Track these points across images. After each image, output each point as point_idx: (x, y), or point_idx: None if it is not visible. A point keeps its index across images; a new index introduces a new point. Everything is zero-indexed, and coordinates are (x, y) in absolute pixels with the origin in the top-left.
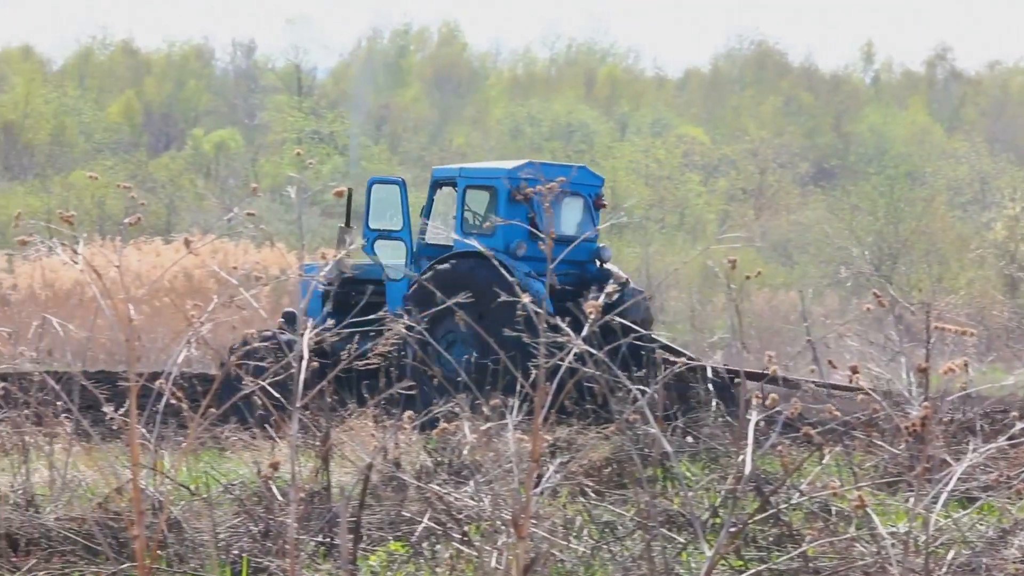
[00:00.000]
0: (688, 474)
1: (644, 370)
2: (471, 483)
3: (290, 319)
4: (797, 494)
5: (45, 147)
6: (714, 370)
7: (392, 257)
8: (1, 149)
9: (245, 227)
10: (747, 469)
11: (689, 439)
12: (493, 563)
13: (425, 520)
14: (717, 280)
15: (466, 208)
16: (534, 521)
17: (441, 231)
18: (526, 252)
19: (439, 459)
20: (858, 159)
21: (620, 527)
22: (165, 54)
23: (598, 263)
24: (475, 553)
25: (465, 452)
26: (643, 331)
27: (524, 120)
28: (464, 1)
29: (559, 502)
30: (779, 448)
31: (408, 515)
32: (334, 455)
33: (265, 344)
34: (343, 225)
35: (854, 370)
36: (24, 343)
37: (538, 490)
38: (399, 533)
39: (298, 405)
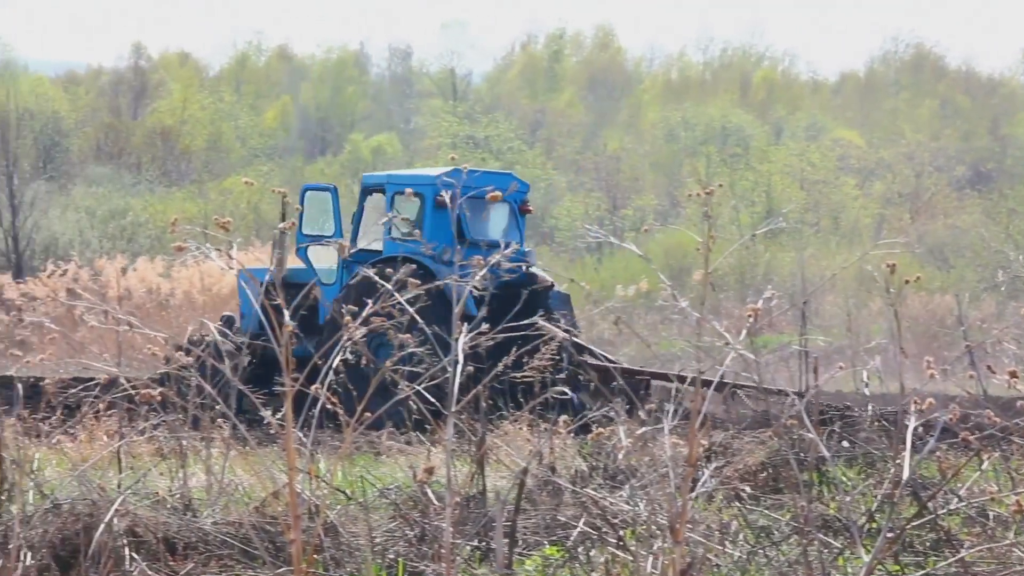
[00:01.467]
0: (844, 479)
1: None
2: (626, 487)
3: (228, 322)
4: (955, 499)
5: (201, 153)
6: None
7: (325, 262)
8: (158, 155)
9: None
10: (905, 474)
11: (845, 443)
12: (649, 568)
13: (580, 525)
14: (872, 285)
15: (394, 214)
16: (690, 526)
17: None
18: (451, 257)
19: (594, 463)
20: (1015, 162)
21: (776, 532)
22: (321, 59)
23: (524, 267)
24: (631, 558)
25: (620, 456)
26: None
27: (678, 124)
28: (619, 5)
29: (715, 507)
30: (937, 453)
31: (563, 520)
32: (489, 459)
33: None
34: (278, 230)
35: (1012, 375)
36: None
37: (694, 494)
38: (554, 538)
39: (454, 409)
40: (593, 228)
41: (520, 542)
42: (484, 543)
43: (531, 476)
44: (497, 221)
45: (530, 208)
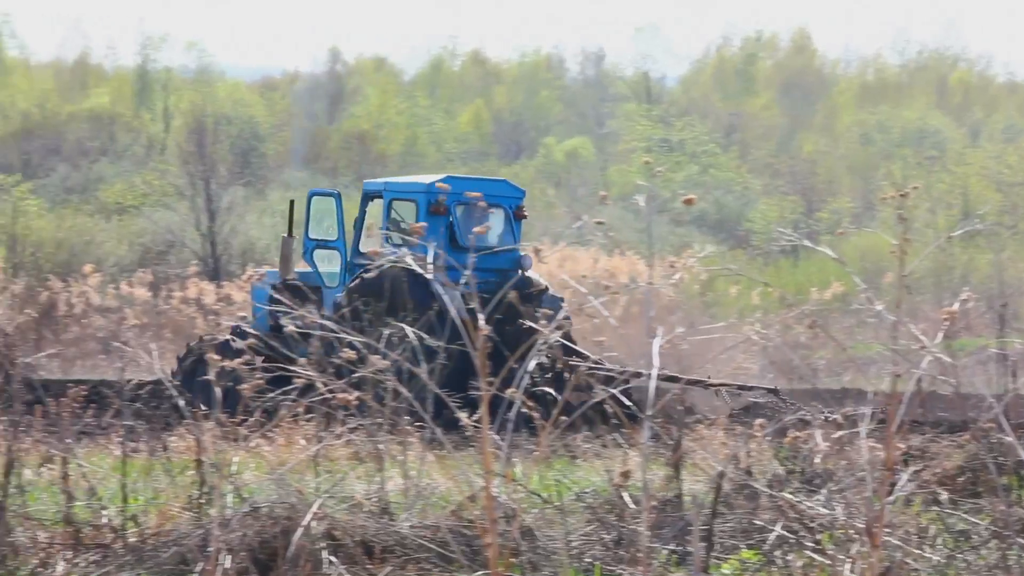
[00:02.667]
0: None
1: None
2: (823, 491)
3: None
4: None
5: (397, 157)
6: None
7: (329, 265)
8: (355, 159)
9: (594, 235)
10: None
11: None
12: (846, 572)
13: (777, 528)
14: None
15: (392, 220)
16: (887, 530)
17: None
18: (444, 262)
19: (791, 467)
20: None
21: (975, 536)
22: (515, 63)
23: (520, 271)
24: (828, 562)
25: (817, 460)
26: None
27: (873, 127)
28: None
29: (912, 510)
30: None
31: (760, 523)
32: (685, 463)
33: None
34: (285, 235)
35: None
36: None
37: (891, 498)
38: (751, 541)
39: (649, 413)
40: (787, 231)
41: (717, 546)
42: (680, 547)
43: (727, 479)
44: (493, 226)
45: (525, 214)
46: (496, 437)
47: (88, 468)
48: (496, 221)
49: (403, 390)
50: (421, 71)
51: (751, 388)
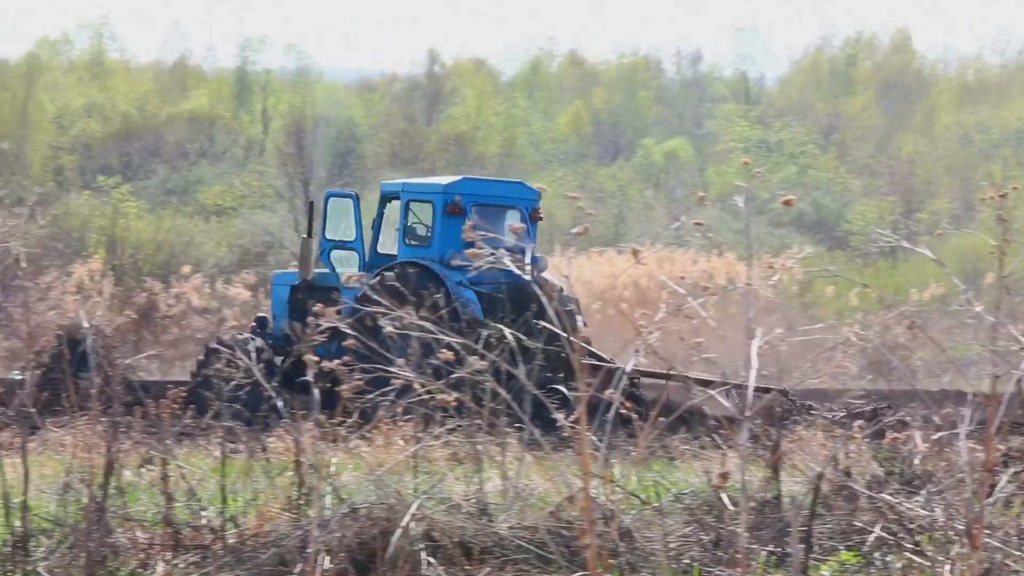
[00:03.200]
0: None
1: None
2: (923, 493)
3: (261, 323)
4: None
5: (495, 158)
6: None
7: (347, 265)
8: (453, 160)
9: (692, 236)
10: None
11: None
12: (946, 574)
13: (877, 530)
14: None
15: (409, 220)
16: (988, 531)
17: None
18: (460, 262)
19: (890, 468)
20: None
21: None
22: (613, 64)
23: (536, 273)
24: (928, 563)
25: (917, 461)
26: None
27: (973, 127)
28: (915, 7)
29: (1012, 512)
30: None
31: (859, 525)
32: (784, 464)
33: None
34: (304, 236)
35: None
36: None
37: (991, 500)
38: (850, 543)
39: (747, 414)
40: (886, 232)
41: (815, 547)
42: (780, 548)
43: (826, 481)
44: (507, 228)
45: (541, 215)
46: (593, 438)
47: (188, 469)
48: (513, 222)
49: (501, 391)
50: (519, 72)
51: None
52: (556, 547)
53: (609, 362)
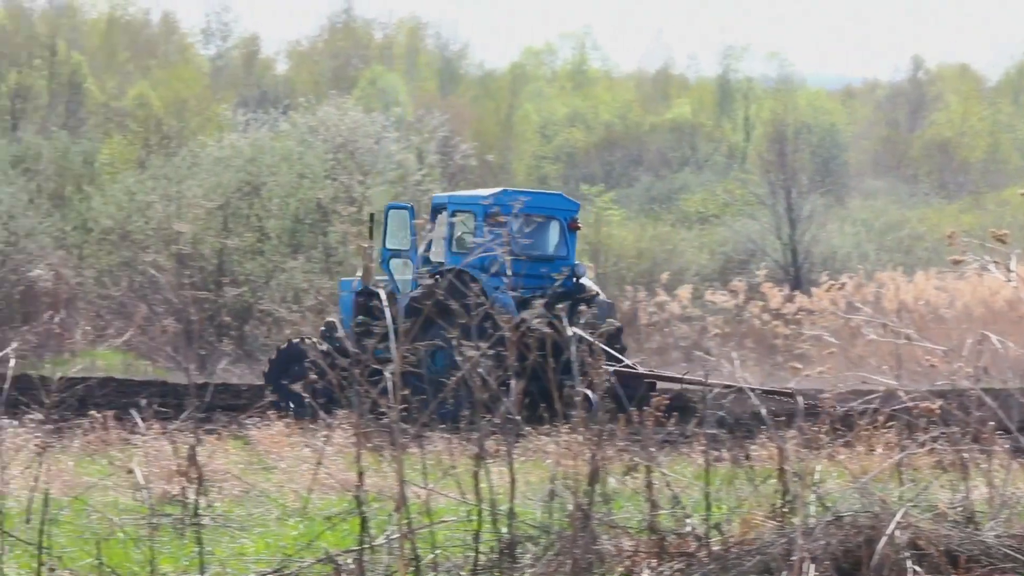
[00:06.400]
0: None
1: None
2: None
3: (330, 327)
4: None
5: (979, 164)
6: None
7: (403, 273)
8: (936, 167)
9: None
10: None
11: None
12: None
13: None
14: None
15: (455, 231)
16: None
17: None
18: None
19: None
20: None
21: None
22: None
23: (574, 279)
24: None
25: None
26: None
27: None
28: None
29: None
30: None
31: None
32: None
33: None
34: (366, 246)
35: None
36: (961, 360)
37: None
38: None
39: None
40: None
41: None
42: None
43: None
44: (547, 237)
45: (579, 225)
46: None
47: (672, 477)
48: (553, 232)
49: (987, 399)
50: (1004, 77)
51: (770, 392)
52: None
53: (632, 367)
